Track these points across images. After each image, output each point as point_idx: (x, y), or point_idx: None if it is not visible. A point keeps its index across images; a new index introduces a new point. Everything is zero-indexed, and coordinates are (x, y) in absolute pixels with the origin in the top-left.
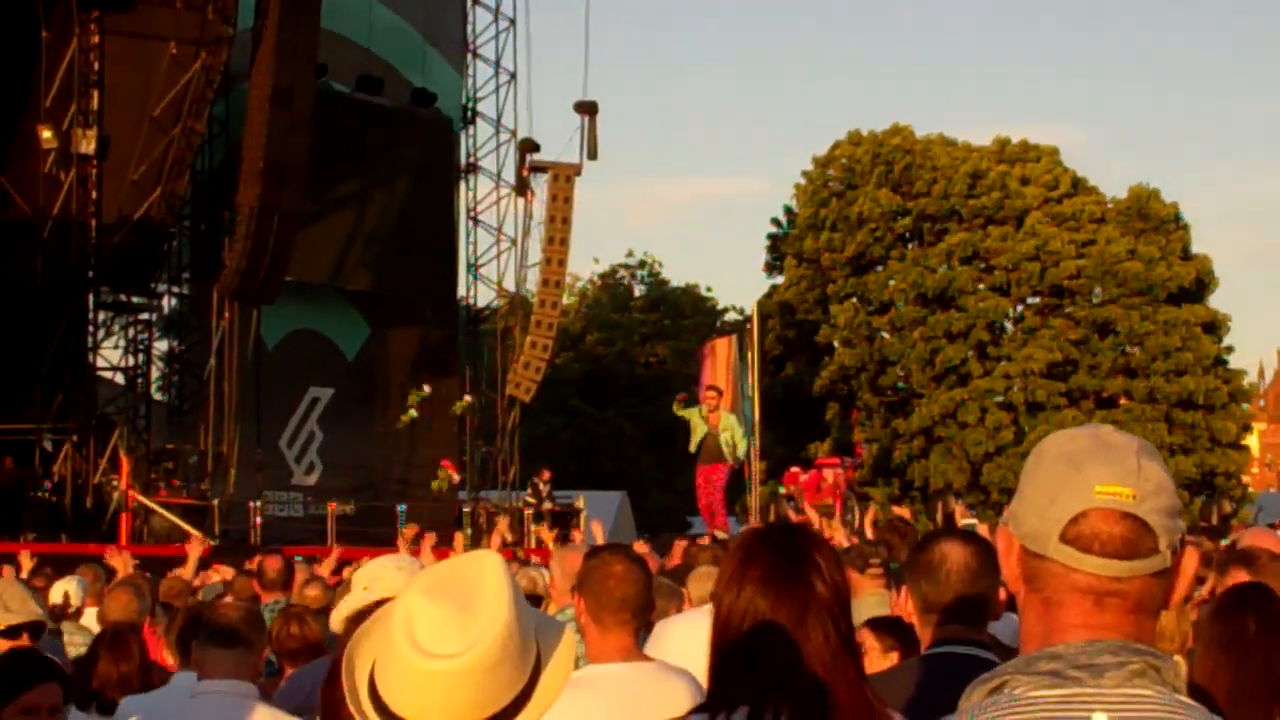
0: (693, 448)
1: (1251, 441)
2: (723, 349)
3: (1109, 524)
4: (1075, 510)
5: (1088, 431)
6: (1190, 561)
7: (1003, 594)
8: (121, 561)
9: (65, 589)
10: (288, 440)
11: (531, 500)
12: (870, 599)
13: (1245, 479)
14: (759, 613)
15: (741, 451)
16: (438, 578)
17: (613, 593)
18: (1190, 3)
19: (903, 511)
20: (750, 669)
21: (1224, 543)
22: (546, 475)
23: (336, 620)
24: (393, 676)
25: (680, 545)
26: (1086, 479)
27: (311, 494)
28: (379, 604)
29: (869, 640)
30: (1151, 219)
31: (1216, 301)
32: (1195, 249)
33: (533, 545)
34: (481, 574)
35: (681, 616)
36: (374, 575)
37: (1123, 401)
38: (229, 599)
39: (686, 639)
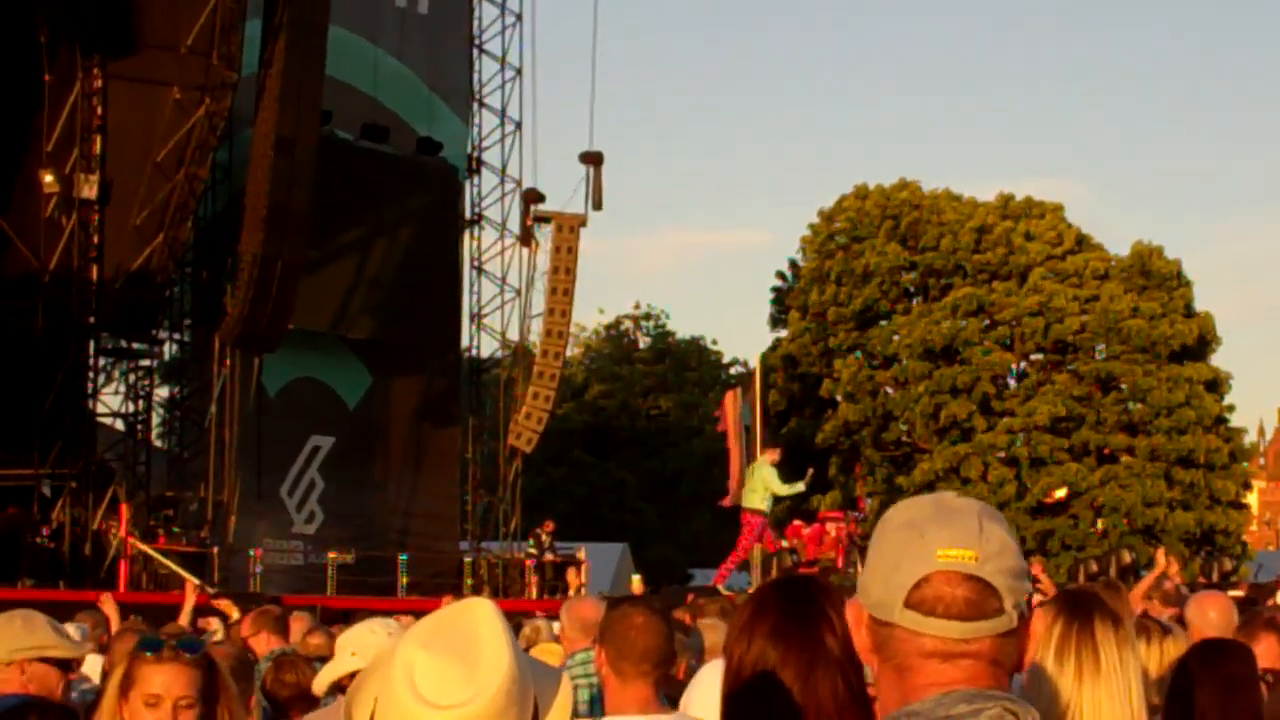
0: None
1: (1251, 500)
2: (729, 403)
3: (952, 586)
4: (919, 575)
5: (930, 498)
6: (1039, 623)
7: None
8: (111, 610)
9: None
10: (288, 488)
11: (533, 551)
12: None
13: (1245, 537)
14: (769, 665)
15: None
16: (433, 628)
17: (634, 644)
18: (1194, 60)
19: None
20: None
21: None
22: (549, 527)
23: (321, 685)
24: None
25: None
26: (929, 543)
27: (311, 543)
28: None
29: None
30: (1154, 276)
31: (1218, 359)
32: (1197, 306)
33: (533, 596)
34: (477, 622)
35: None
36: (362, 641)
37: (1124, 458)
38: (222, 645)
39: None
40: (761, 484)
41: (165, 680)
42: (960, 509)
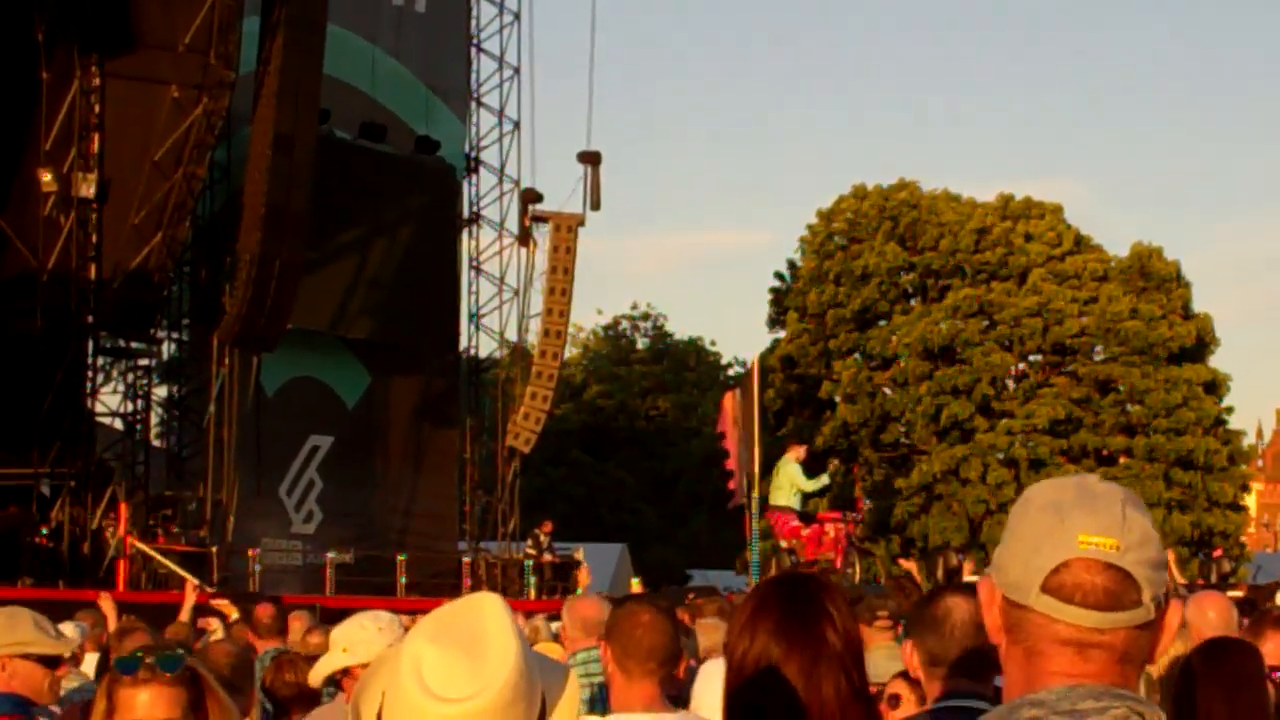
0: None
1: (1250, 502)
2: (728, 404)
3: (1091, 574)
4: (1058, 560)
5: (1074, 481)
6: (1174, 615)
7: None
8: (109, 608)
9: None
10: (287, 488)
11: (532, 552)
12: (879, 651)
13: (1243, 539)
14: (772, 662)
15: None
16: (440, 623)
17: (640, 641)
18: (1194, 60)
19: (910, 565)
20: (762, 719)
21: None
22: (548, 527)
23: (316, 679)
24: None
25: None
26: (1070, 528)
27: (310, 542)
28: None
29: (904, 691)
30: (1153, 277)
31: (1217, 361)
32: (1197, 307)
33: (531, 597)
34: (484, 616)
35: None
36: (354, 637)
37: (1122, 460)
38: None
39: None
40: (788, 481)
41: (146, 703)
42: (1104, 495)
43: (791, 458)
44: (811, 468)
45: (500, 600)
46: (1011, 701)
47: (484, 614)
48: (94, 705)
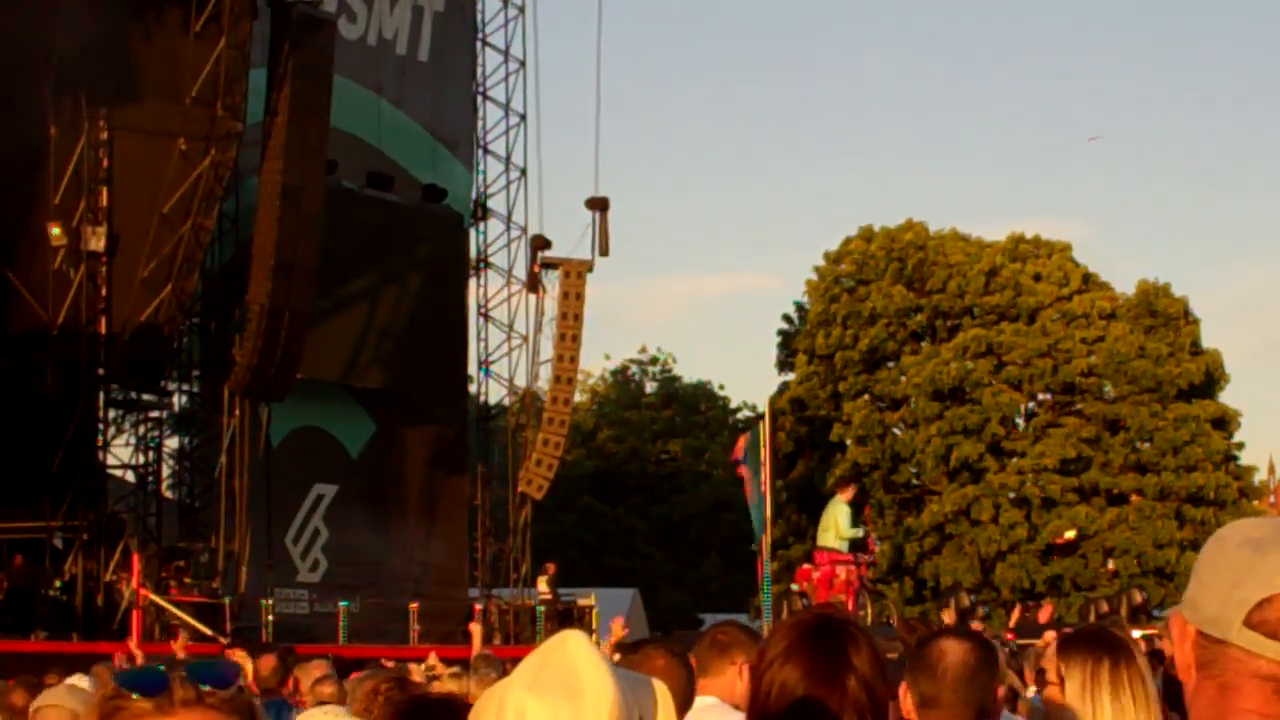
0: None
1: None
2: (743, 447)
3: None
4: (1261, 595)
5: (1271, 521)
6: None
7: (1000, 692)
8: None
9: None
10: (293, 537)
11: (547, 596)
12: None
13: None
14: (794, 709)
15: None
16: (534, 670)
17: None
18: (1201, 97)
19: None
20: None
21: None
22: (551, 569)
23: None
24: None
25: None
26: (1273, 565)
27: (317, 591)
28: None
29: None
30: (1161, 315)
31: (1226, 397)
32: (1205, 343)
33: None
34: (572, 654)
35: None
36: None
37: (1134, 499)
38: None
39: None
40: (833, 523)
41: None
42: None
43: (842, 499)
44: (816, 512)
45: (584, 636)
46: None
47: (572, 653)
48: None
